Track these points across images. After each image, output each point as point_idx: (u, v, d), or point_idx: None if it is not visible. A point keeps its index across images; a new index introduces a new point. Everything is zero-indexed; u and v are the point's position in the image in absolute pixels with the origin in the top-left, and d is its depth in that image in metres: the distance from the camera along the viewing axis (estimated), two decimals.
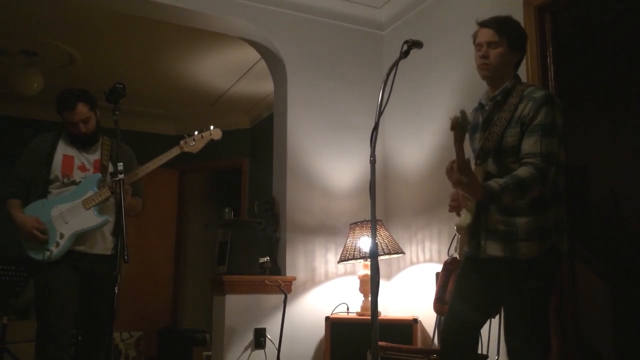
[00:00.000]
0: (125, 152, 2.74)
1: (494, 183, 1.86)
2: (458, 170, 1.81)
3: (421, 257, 3.43)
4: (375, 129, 1.93)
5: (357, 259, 3.26)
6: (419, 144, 3.54)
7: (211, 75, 5.08)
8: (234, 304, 3.28)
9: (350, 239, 3.33)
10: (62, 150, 2.69)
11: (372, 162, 1.91)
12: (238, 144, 6.13)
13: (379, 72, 3.87)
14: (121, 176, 2.35)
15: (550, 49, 2.84)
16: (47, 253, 2.54)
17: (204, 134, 2.79)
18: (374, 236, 1.89)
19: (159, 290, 6.24)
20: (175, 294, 6.43)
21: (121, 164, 2.35)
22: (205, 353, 3.87)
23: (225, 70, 4.95)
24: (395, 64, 1.98)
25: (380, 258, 3.25)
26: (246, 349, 3.26)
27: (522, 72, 2.73)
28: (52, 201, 2.61)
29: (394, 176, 3.75)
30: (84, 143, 2.71)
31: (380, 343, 2.52)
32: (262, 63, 4.18)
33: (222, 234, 3.52)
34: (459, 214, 2.10)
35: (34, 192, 2.64)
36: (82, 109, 2.64)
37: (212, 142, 2.82)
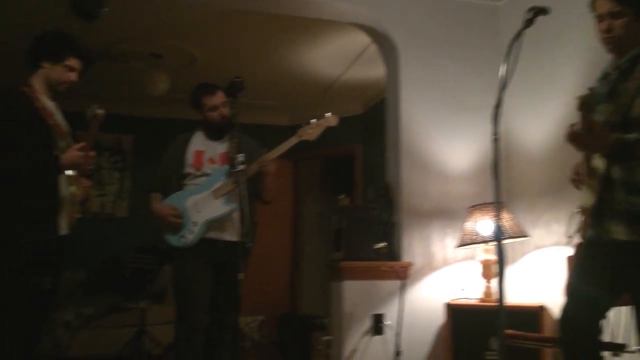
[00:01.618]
0: (250, 143, 2.95)
1: (626, 136, 1.70)
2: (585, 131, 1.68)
3: (547, 240, 3.22)
4: (499, 105, 1.83)
5: (477, 243, 3.15)
6: (542, 120, 3.32)
7: (322, 63, 5.13)
8: (351, 290, 3.30)
9: (469, 222, 3.22)
10: (194, 146, 2.96)
11: (496, 140, 1.81)
12: (350, 131, 6.13)
13: (496, 46, 3.68)
14: (242, 167, 2.46)
15: None
16: (183, 240, 2.80)
17: (320, 121, 2.89)
18: (498, 219, 1.80)
19: (278, 277, 6.47)
20: (293, 280, 6.63)
21: (242, 154, 2.45)
22: (324, 338, 3.94)
23: (336, 57, 4.97)
24: (519, 34, 1.86)
25: (503, 242, 3.11)
26: (365, 334, 3.28)
27: None
28: (186, 193, 2.87)
29: (516, 155, 3.55)
30: (219, 131, 2.94)
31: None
32: (373, 47, 4.15)
33: (338, 221, 3.55)
34: (578, 187, 1.96)
35: (172, 187, 2.92)
36: (221, 94, 2.90)
37: (328, 129, 2.88)
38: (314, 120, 2.88)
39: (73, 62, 2.53)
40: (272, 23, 4.32)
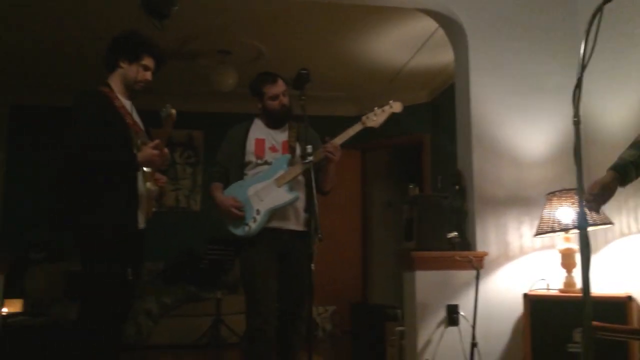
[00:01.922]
0: (310, 132, 2.85)
1: None
2: None
3: (634, 228, 3.04)
4: (578, 86, 1.73)
5: (556, 231, 3.01)
6: (624, 101, 3.13)
7: (388, 52, 5.07)
8: (424, 280, 3.24)
9: (547, 210, 3.09)
10: (254, 134, 2.93)
11: (577, 122, 1.72)
12: (417, 119, 6.05)
13: (572, 24, 3.49)
14: (310, 158, 2.46)
15: None
16: (246, 228, 2.77)
17: (384, 107, 2.83)
18: (582, 206, 1.71)
19: (348, 267, 6.49)
20: (363, 270, 6.63)
21: (310, 146, 2.45)
22: (398, 328, 3.91)
23: (402, 45, 4.90)
24: (599, 9, 1.75)
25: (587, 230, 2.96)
26: (439, 325, 3.22)
27: None
28: (248, 182, 2.84)
29: (596, 139, 3.36)
30: (280, 119, 2.92)
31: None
32: (439, 33, 4.05)
33: (408, 210, 3.50)
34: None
35: (233, 176, 2.90)
36: (281, 82, 2.89)
37: (392, 116, 2.84)
38: (377, 108, 2.83)
39: (148, 61, 2.63)
40: (336, 13, 4.31)
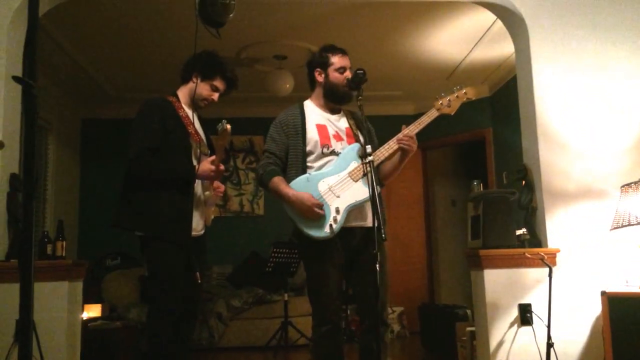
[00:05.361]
0: (365, 122, 2.58)
1: None
2: None
3: None
4: None
5: (633, 225, 2.86)
6: None
7: (444, 47, 4.97)
8: (494, 279, 3.15)
9: (622, 203, 2.94)
10: (313, 120, 2.63)
11: None
12: (478, 115, 5.90)
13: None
14: (370, 158, 2.37)
15: None
16: (328, 230, 2.46)
17: (458, 93, 2.64)
18: None
19: (414, 267, 6.41)
20: (429, 270, 6.53)
21: (369, 146, 2.38)
22: (468, 328, 3.82)
23: (458, 40, 4.79)
24: None
25: None
26: (512, 325, 3.12)
27: None
28: (316, 175, 2.52)
29: None
30: (341, 97, 2.62)
31: None
32: (497, 25, 3.94)
33: (473, 208, 3.42)
34: None
35: (291, 167, 2.59)
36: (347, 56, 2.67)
37: (457, 113, 2.70)
38: (445, 94, 2.64)
39: (219, 83, 2.71)
40: (390, 12, 4.27)
